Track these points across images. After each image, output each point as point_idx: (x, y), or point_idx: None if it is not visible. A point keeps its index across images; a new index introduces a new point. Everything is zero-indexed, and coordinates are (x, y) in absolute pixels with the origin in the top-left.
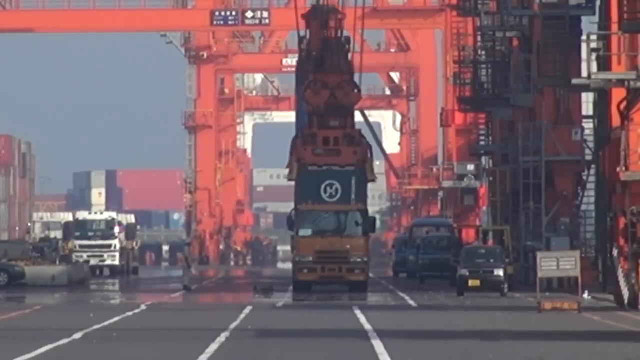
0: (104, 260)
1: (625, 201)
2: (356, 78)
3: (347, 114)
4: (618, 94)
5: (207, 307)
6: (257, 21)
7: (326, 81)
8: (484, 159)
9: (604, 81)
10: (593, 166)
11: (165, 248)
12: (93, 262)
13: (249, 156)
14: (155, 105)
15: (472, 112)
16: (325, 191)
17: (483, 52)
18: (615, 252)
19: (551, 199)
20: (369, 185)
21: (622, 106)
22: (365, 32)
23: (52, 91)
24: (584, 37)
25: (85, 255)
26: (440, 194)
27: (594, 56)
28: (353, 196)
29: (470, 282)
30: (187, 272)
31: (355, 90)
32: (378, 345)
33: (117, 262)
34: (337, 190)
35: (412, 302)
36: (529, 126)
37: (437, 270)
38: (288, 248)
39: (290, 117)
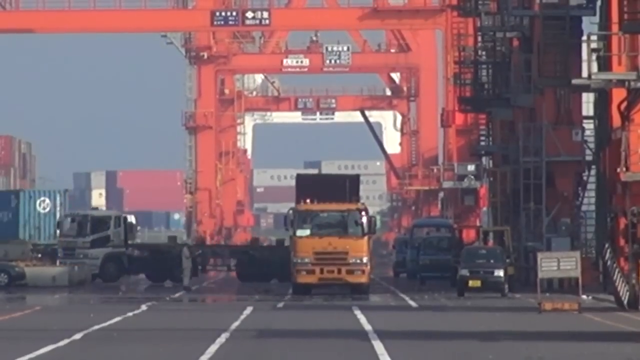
0: None
1: (625, 201)
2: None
3: None
4: (618, 94)
5: (208, 307)
6: (257, 21)
7: None
8: (484, 160)
9: (604, 81)
10: (593, 166)
11: None
12: None
13: (249, 157)
14: (156, 105)
15: (472, 112)
16: None
17: (483, 53)
18: (607, 254)
19: (551, 200)
20: (370, 186)
21: (623, 106)
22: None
23: (52, 91)
24: (584, 38)
25: None
26: (441, 194)
27: (594, 56)
28: None
29: (471, 283)
30: (187, 272)
31: None
32: (378, 345)
33: None
34: None
35: (412, 303)
36: (530, 126)
37: (437, 270)
38: None
39: (290, 117)
